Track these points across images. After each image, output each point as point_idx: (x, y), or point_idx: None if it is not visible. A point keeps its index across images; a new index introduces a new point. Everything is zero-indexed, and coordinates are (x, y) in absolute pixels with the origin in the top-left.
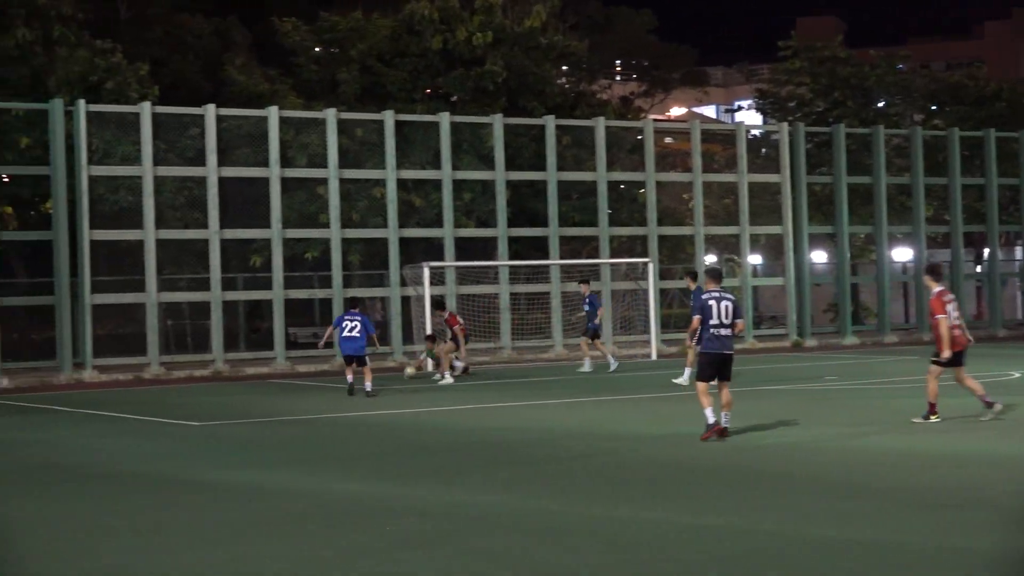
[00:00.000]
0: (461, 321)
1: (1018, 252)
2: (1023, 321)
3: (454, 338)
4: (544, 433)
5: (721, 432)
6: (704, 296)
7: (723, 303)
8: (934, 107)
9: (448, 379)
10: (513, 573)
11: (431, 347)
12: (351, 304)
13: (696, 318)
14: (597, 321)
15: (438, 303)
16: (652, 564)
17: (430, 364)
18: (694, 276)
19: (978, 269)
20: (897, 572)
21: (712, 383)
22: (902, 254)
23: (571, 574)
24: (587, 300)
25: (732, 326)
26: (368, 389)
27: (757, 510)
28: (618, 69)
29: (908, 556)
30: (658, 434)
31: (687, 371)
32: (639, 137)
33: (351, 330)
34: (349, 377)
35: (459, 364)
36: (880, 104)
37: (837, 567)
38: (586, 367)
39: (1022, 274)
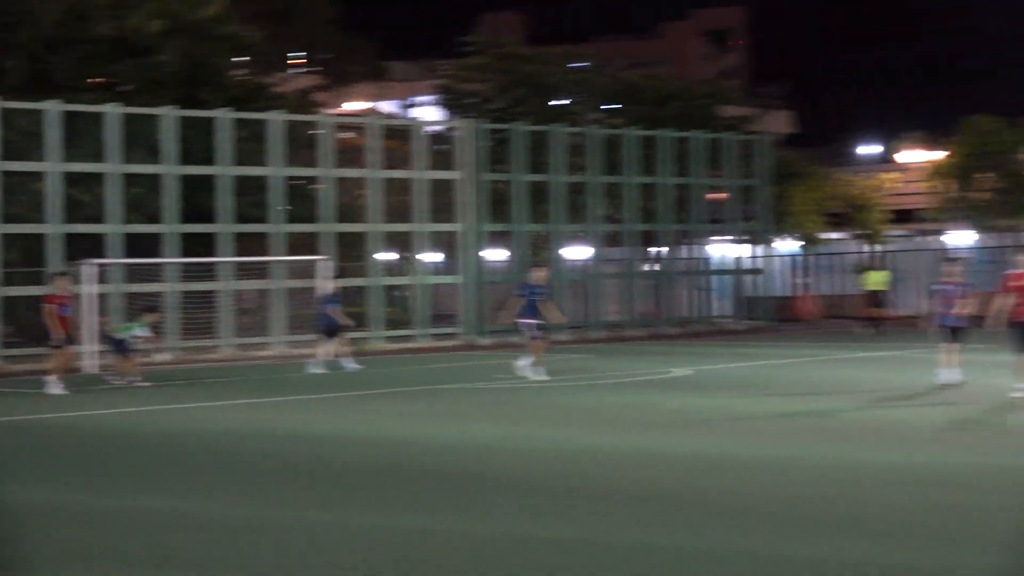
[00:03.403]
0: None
1: (689, 251)
2: (690, 318)
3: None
4: (218, 435)
5: None
6: None
7: None
8: (613, 106)
9: (56, 390)
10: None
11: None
12: None
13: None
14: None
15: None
16: (325, 566)
17: None
18: (538, 267)
19: (653, 267)
20: (583, 567)
21: None
22: (579, 252)
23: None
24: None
25: None
26: None
27: (442, 510)
28: (298, 61)
29: (596, 552)
30: (338, 435)
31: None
32: (317, 132)
33: None
34: None
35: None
36: (560, 102)
37: (522, 564)
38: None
39: (691, 273)
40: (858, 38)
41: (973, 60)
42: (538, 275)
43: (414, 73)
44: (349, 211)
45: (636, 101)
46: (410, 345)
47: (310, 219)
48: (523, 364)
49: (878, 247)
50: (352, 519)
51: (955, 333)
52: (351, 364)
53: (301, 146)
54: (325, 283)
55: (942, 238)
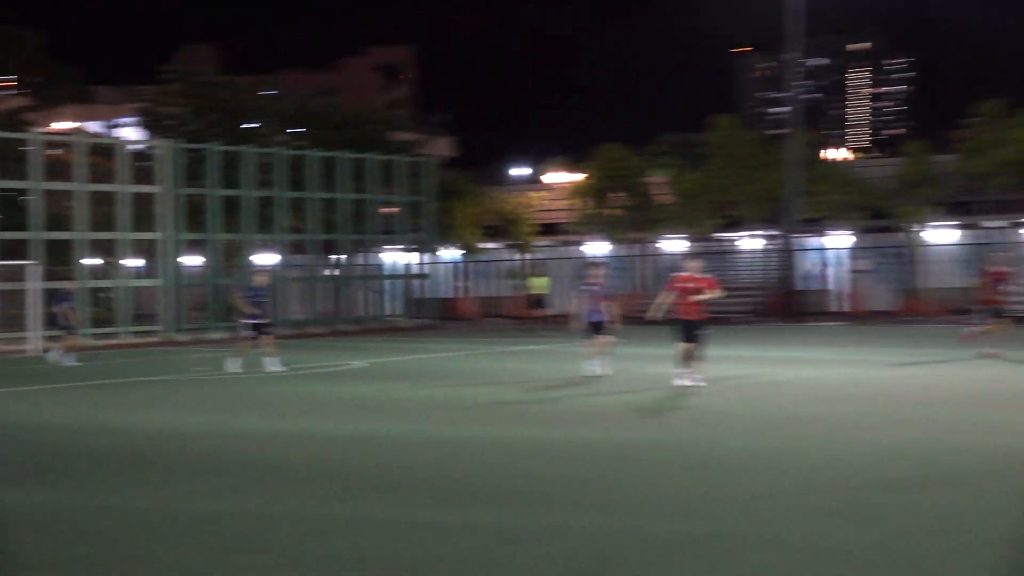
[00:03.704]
0: None
1: (365, 258)
2: (365, 317)
3: None
4: None
5: None
6: None
7: None
8: (297, 130)
9: None
10: None
11: None
12: None
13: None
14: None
15: None
16: (23, 543)
17: None
18: (259, 272)
19: (333, 272)
20: (266, 538)
21: None
22: (267, 258)
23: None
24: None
25: None
26: None
27: (145, 488)
28: (9, 84)
29: (285, 523)
30: (51, 423)
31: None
32: (27, 148)
33: None
34: None
35: None
36: (250, 125)
37: (211, 536)
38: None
39: (366, 277)
40: (511, 76)
41: (608, 95)
42: (259, 279)
43: (117, 97)
44: (57, 220)
45: (317, 126)
46: (114, 341)
47: (21, 227)
48: (266, 361)
49: (528, 255)
50: (62, 499)
51: (599, 329)
52: (70, 360)
53: (12, 161)
54: (66, 283)
55: (582, 248)
